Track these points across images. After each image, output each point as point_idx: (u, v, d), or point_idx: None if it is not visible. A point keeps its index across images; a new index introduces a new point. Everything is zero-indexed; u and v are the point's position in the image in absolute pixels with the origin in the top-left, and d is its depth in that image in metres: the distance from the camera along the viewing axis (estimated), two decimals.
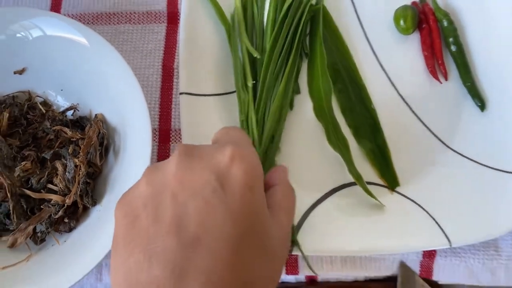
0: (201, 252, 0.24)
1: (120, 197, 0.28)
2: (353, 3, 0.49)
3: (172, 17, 0.49)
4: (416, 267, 0.42)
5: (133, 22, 0.49)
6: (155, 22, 0.49)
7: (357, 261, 0.42)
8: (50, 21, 0.41)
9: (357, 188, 0.43)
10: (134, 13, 0.49)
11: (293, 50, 0.46)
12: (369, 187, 0.43)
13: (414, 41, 0.47)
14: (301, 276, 0.43)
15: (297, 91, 0.46)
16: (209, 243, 0.24)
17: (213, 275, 0.24)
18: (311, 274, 0.42)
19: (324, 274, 0.42)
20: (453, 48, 0.46)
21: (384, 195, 0.43)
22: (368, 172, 0.44)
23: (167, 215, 0.25)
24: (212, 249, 0.24)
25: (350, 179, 0.43)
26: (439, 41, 0.46)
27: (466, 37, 0.47)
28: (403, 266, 0.42)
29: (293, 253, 0.40)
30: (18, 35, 0.42)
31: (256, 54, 0.44)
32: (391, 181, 0.44)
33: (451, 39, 0.46)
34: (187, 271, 0.24)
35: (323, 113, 0.45)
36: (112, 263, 0.26)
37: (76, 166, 0.41)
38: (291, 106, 0.46)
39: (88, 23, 0.49)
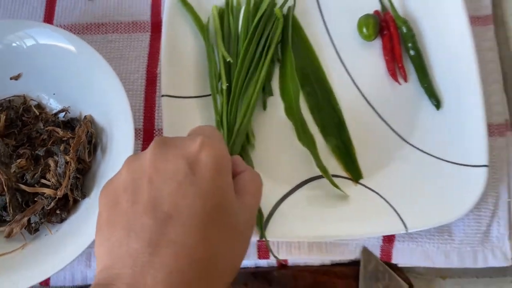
0: (173, 227, 0.28)
1: (104, 185, 0.32)
2: (321, 13, 0.53)
3: (156, 27, 0.53)
4: (377, 252, 0.46)
5: (120, 32, 0.53)
6: (140, 31, 0.53)
7: (322, 246, 0.46)
8: (42, 31, 0.45)
9: (324, 181, 0.47)
10: (121, 23, 0.53)
11: (267, 56, 0.50)
12: (335, 179, 0.47)
13: (376, 46, 0.52)
14: (272, 261, 0.47)
15: (270, 93, 0.51)
16: (180, 220, 0.28)
17: (183, 247, 0.27)
18: (282, 258, 0.46)
19: (293, 258, 0.46)
20: (412, 52, 0.50)
21: (349, 186, 0.47)
22: (334, 166, 0.48)
23: (144, 198, 0.29)
24: (183, 224, 0.28)
25: (318, 172, 0.47)
26: (399, 46, 0.51)
27: (423, 42, 0.51)
28: (365, 250, 0.46)
29: (262, 239, 0.44)
30: (13, 44, 0.46)
31: (229, 59, 0.48)
32: (355, 174, 0.48)
33: (410, 44, 0.50)
34: (161, 243, 0.27)
35: (293, 113, 0.49)
36: (96, 241, 0.30)
37: (67, 162, 0.45)
38: (264, 106, 0.50)
39: (78, 33, 0.53)
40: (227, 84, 0.48)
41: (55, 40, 0.45)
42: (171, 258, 0.27)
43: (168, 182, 0.29)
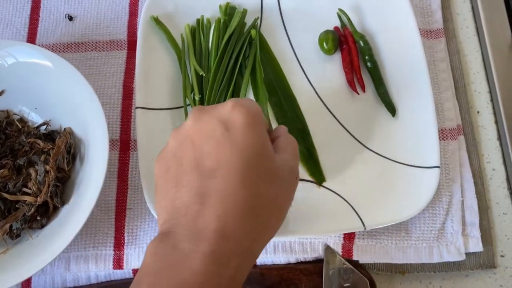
0: (216, 179, 0.32)
1: (157, 156, 0.36)
2: (285, 29, 0.57)
3: (132, 44, 0.57)
4: (338, 249, 0.49)
5: (99, 50, 0.57)
6: (117, 49, 0.57)
7: (286, 245, 0.49)
8: (21, 49, 0.49)
9: None
10: (99, 42, 0.57)
11: (235, 70, 0.54)
12: (301, 183, 0.50)
13: (336, 60, 0.56)
14: None
15: None
16: (222, 172, 0.32)
17: (226, 193, 0.32)
18: None
19: (260, 258, 0.49)
20: (369, 64, 0.54)
21: (312, 189, 0.51)
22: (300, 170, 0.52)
23: (189, 158, 0.33)
24: (225, 175, 0.32)
25: None
26: (357, 59, 0.55)
27: (379, 55, 0.55)
28: (327, 248, 0.49)
29: None
30: None
31: (201, 73, 0.52)
32: (318, 177, 0.51)
33: (367, 57, 0.54)
34: (207, 193, 0.32)
35: None
36: (156, 200, 0.35)
37: (47, 171, 0.48)
38: None
39: (59, 51, 0.57)
40: (200, 96, 0.52)
41: (33, 57, 0.49)
42: (217, 203, 0.32)
43: (207, 141, 0.33)
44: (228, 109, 0.34)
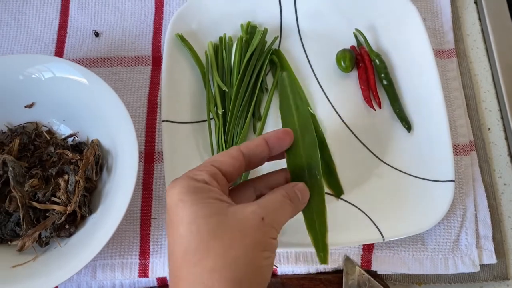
0: None
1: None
2: (303, 48, 0.59)
3: (156, 61, 0.59)
4: (358, 260, 0.51)
5: (124, 65, 0.59)
6: (142, 64, 0.59)
7: (308, 256, 0.51)
8: (59, 65, 0.51)
9: None
10: (125, 57, 0.59)
11: (256, 85, 0.56)
12: None
13: (353, 77, 0.58)
14: None
15: (259, 118, 0.56)
16: None
17: None
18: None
19: (282, 267, 0.51)
20: (384, 82, 0.57)
21: (331, 201, 0.52)
22: None
23: None
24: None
25: None
26: (373, 77, 0.57)
27: (395, 73, 0.57)
28: (347, 259, 0.51)
29: None
30: (33, 76, 0.52)
31: (224, 88, 0.54)
32: (337, 190, 0.53)
33: (382, 75, 0.57)
34: None
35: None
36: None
37: (76, 181, 0.50)
38: (254, 130, 0.55)
39: (86, 66, 0.59)
40: (223, 110, 0.54)
41: (70, 73, 0.51)
42: None
43: None
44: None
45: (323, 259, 0.40)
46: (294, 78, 0.58)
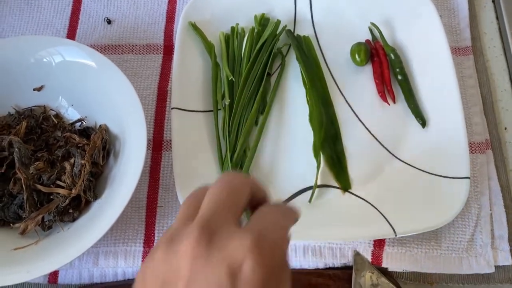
0: None
1: (141, 265, 0.30)
2: (318, 41, 0.59)
3: (168, 49, 0.59)
4: (368, 256, 0.49)
5: (135, 53, 0.58)
6: (153, 53, 0.58)
7: (316, 250, 0.49)
8: (70, 49, 0.51)
9: (319, 190, 0.51)
10: (136, 45, 0.59)
11: (263, 77, 0.55)
12: (326, 189, 0.51)
13: (367, 71, 0.57)
14: None
15: (261, 111, 0.55)
16: None
17: None
18: None
19: (290, 261, 0.49)
20: (399, 77, 0.55)
21: (342, 196, 0.51)
22: (327, 176, 0.52)
23: None
24: None
25: (312, 183, 0.51)
26: (388, 71, 0.56)
27: (410, 68, 0.56)
28: (357, 254, 0.49)
29: None
30: (44, 59, 0.51)
31: (231, 77, 0.53)
32: (344, 184, 0.52)
33: (397, 70, 0.56)
34: None
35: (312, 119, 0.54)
36: None
37: (82, 165, 0.49)
38: (256, 122, 0.54)
39: None
40: (229, 100, 0.53)
41: (80, 57, 0.50)
42: None
43: None
44: (241, 254, 0.26)
45: (348, 186, 0.51)
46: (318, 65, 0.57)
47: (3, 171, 0.49)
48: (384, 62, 0.56)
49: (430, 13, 0.56)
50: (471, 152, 0.54)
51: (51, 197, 0.48)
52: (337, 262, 0.49)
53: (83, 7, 0.61)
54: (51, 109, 0.54)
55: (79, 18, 0.60)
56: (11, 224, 0.48)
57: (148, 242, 0.50)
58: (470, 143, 0.54)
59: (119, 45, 0.59)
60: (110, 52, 0.58)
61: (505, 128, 0.56)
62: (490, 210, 0.51)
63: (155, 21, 0.60)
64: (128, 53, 0.58)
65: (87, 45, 0.57)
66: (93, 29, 0.60)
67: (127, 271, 0.49)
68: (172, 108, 0.52)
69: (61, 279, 0.49)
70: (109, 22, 0.60)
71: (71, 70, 0.51)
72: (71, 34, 0.59)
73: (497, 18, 0.62)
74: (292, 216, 0.31)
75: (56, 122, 0.53)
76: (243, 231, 0.27)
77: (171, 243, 0.27)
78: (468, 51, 0.58)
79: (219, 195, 0.29)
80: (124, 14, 0.60)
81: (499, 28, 0.61)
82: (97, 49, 0.58)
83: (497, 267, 0.49)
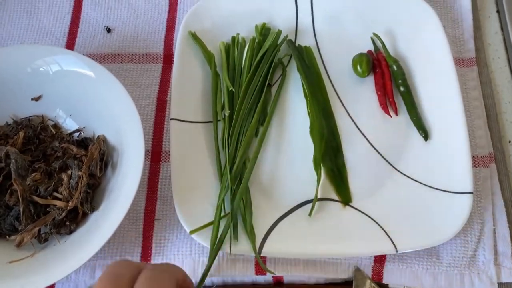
0: None
1: None
2: (319, 52, 0.58)
3: (168, 59, 0.58)
4: (368, 271, 0.48)
5: (135, 62, 0.58)
6: (153, 62, 0.58)
7: (317, 264, 0.48)
8: (67, 58, 0.50)
9: (320, 203, 0.50)
10: (136, 54, 0.58)
11: (264, 88, 0.54)
12: (326, 202, 0.50)
13: (369, 82, 0.56)
14: (268, 277, 0.49)
15: (262, 122, 0.54)
16: None
17: None
18: (279, 275, 0.48)
19: (289, 276, 0.49)
20: (402, 88, 0.55)
21: (341, 210, 0.50)
22: (327, 189, 0.51)
23: None
24: None
25: (312, 196, 0.50)
26: (390, 82, 0.55)
27: (413, 79, 0.55)
28: (357, 270, 0.48)
29: (261, 255, 0.46)
30: (41, 69, 0.51)
31: (231, 88, 0.53)
32: (344, 197, 0.51)
33: (400, 81, 0.55)
34: None
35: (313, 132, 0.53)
36: None
37: (79, 177, 0.48)
38: (256, 133, 0.53)
39: (96, 61, 0.57)
40: (229, 111, 0.52)
41: (77, 66, 0.50)
42: None
43: None
44: None
45: (349, 199, 0.50)
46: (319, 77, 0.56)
47: None
48: (386, 73, 0.55)
49: (433, 24, 0.55)
50: (474, 166, 0.53)
51: (47, 209, 0.48)
52: (338, 277, 0.48)
53: (83, 15, 0.60)
54: (49, 119, 0.54)
55: (78, 27, 0.60)
56: (7, 236, 0.48)
57: (145, 255, 0.49)
58: (473, 156, 0.53)
59: (118, 54, 0.58)
60: (110, 61, 0.58)
61: (510, 141, 0.55)
62: (494, 225, 0.51)
63: (155, 30, 0.59)
64: (128, 62, 0.58)
65: (86, 54, 0.58)
66: (92, 37, 0.59)
67: None
68: (171, 119, 0.51)
69: None
70: (108, 30, 0.59)
71: (68, 79, 0.51)
72: (71, 42, 0.59)
73: (501, 28, 0.61)
74: (171, 277, 0.33)
75: (54, 132, 0.53)
76: None
77: None
78: (472, 63, 0.58)
79: (116, 268, 0.33)
80: (124, 22, 0.60)
81: (504, 39, 0.60)
82: (96, 58, 0.58)
83: (500, 284, 0.49)
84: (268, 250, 0.47)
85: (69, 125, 0.53)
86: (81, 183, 0.48)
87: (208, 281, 0.49)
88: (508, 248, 0.50)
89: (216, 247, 0.46)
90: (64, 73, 0.50)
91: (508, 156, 0.55)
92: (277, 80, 0.57)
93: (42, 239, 0.48)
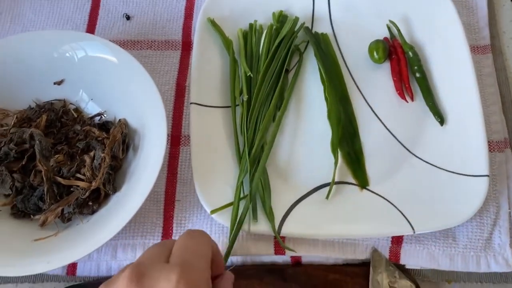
0: None
1: None
2: (335, 38, 0.59)
3: (186, 45, 0.59)
4: (386, 253, 0.49)
5: (154, 48, 0.59)
6: (171, 49, 0.59)
7: (335, 245, 0.49)
8: (93, 44, 0.51)
9: (338, 186, 0.51)
10: (155, 41, 0.59)
11: (281, 74, 0.55)
12: (343, 186, 0.51)
13: (385, 69, 0.57)
14: (287, 257, 0.50)
15: (279, 107, 0.55)
16: None
17: None
18: (297, 255, 0.49)
19: (307, 256, 0.49)
20: (417, 74, 0.55)
21: (359, 193, 0.51)
22: (344, 172, 0.52)
23: None
24: None
25: (329, 180, 0.51)
26: (406, 69, 0.56)
27: (428, 66, 0.56)
28: (375, 251, 0.49)
29: (280, 235, 0.47)
30: (67, 54, 0.52)
31: (249, 73, 0.53)
32: (362, 181, 0.51)
33: (415, 68, 0.55)
34: None
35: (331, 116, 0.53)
36: None
37: (102, 158, 0.49)
38: (274, 118, 0.54)
39: None
40: (247, 96, 0.53)
41: (102, 52, 0.51)
42: None
43: None
44: (171, 285, 0.30)
45: (366, 183, 0.51)
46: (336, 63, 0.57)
47: (24, 163, 0.49)
48: (402, 59, 0.56)
49: (448, 11, 0.56)
50: (490, 150, 0.53)
51: (71, 189, 0.49)
52: (355, 257, 0.49)
53: (103, 3, 0.61)
54: (70, 103, 0.55)
55: (98, 14, 0.61)
56: (32, 216, 0.49)
57: (167, 235, 0.50)
58: (488, 141, 0.53)
59: (137, 41, 0.59)
60: (129, 48, 0.59)
61: None
62: (509, 209, 0.51)
63: (173, 17, 0.60)
64: (147, 49, 0.59)
65: None
66: (112, 24, 0.60)
67: None
68: (190, 103, 0.52)
69: (79, 271, 0.50)
70: (128, 18, 0.60)
71: (93, 65, 0.52)
72: (90, 29, 0.60)
73: None
74: (207, 242, 0.35)
75: (76, 116, 0.54)
76: (169, 266, 0.31)
77: (108, 283, 0.32)
78: (487, 50, 0.58)
79: (153, 247, 0.35)
80: (143, 10, 0.61)
81: None
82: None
83: None
84: (287, 230, 0.48)
85: (90, 109, 0.54)
86: (104, 164, 0.49)
87: (227, 261, 0.50)
88: None
89: (236, 227, 0.47)
90: (89, 59, 0.51)
91: None
92: (294, 66, 0.57)
93: (66, 219, 0.49)
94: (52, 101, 0.54)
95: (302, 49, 0.58)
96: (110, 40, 0.58)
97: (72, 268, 0.50)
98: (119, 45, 0.58)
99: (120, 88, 0.52)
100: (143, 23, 0.60)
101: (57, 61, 0.52)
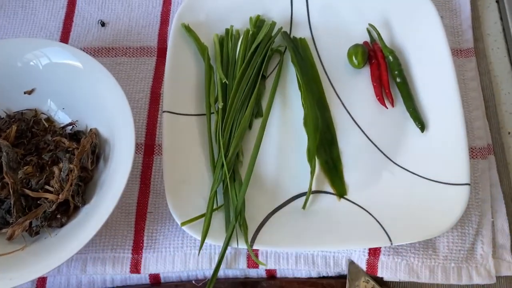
0: None
1: None
2: (314, 42, 0.57)
3: (162, 52, 0.58)
4: (362, 265, 0.47)
5: (129, 55, 0.58)
6: (147, 55, 0.58)
7: (309, 258, 0.48)
8: (54, 50, 0.50)
9: (313, 196, 0.49)
10: (130, 48, 0.58)
11: (258, 80, 0.54)
12: (321, 195, 0.50)
13: (365, 74, 0.55)
14: (261, 271, 0.48)
15: (257, 114, 0.53)
16: None
17: None
18: (271, 268, 0.47)
19: (281, 269, 0.48)
20: (398, 79, 0.54)
21: (335, 202, 0.49)
22: (322, 181, 0.51)
23: None
24: None
25: (306, 189, 0.49)
26: (386, 73, 0.54)
27: (409, 70, 0.54)
28: (351, 263, 0.48)
29: (253, 248, 0.46)
30: (31, 63, 0.50)
31: (224, 80, 0.52)
32: (339, 190, 0.50)
33: (396, 72, 0.54)
34: None
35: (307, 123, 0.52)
36: None
37: (70, 169, 0.48)
38: (250, 126, 0.53)
39: (90, 55, 0.57)
40: (223, 104, 0.52)
41: (66, 58, 0.50)
42: None
43: None
44: None
45: (344, 192, 0.49)
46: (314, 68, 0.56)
47: None
48: (382, 64, 0.54)
49: (430, 14, 0.54)
50: (472, 157, 0.52)
51: (39, 202, 0.48)
52: (331, 271, 0.48)
53: (77, 9, 0.60)
54: (42, 113, 0.53)
55: (73, 21, 0.60)
56: None
57: (137, 249, 0.49)
58: (471, 148, 0.52)
59: (112, 48, 0.58)
60: (104, 55, 0.58)
61: (509, 133, 0.54)
62: (492, 218, 0.49)
63: (149, 24, 0.59)
64: (122, 55, 0.58)
65: (81, 48, 0.58)
66: (87, 31, 0.59)
67: (116, 278, 0.49)
68: (163, 112, 0.51)
69: (49, 286, 0.49)
70: (103, 24, 0.59)
71: (59, 72, 0.50)
72: (65, 36, 0.59)
73: (501, 18, 0.60)
74: None
75: (47, 125, 0.53)
76: None
77: None
78: (470, 53, 0.57)
79: None
80: (118, 16, 0.60)
81: (503, 29, 0.59)
82: (90, 52, 0.58)
83: (499, 277, 0.48)
84: (261, 242, 0.46)
85: (62, 118, 0.53)
86: (72, 176, 0.48)
87: (201, 274, 0.48)
88: (507, 240, 0.49)
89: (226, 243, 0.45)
90: (54, 66, 0.50)
91: (508, 148, 0.54)
92: (271, 72, 0.56)
93: (33, 232, 0.47)
94: (23, 111, 0.53)
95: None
96: (84, 47, 0.58)
97: (41, 282, 0.49)
98: (94, 52, 0.57)
99: (89, 96, 0.50)
100: (118, 29, 0.59)
101: (23, 70, 0.51)
